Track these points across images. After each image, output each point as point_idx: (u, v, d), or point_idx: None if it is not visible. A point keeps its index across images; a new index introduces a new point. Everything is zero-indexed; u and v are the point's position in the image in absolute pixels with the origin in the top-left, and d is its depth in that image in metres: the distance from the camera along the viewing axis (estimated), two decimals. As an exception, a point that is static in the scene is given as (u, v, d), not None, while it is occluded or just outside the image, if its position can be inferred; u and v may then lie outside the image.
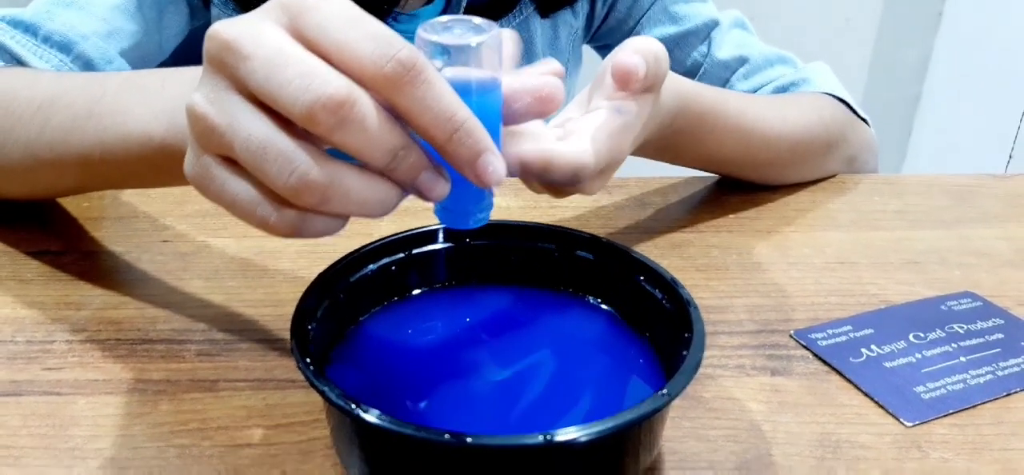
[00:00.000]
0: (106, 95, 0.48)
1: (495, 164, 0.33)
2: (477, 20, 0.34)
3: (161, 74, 0.48)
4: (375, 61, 0.30)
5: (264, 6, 0.33)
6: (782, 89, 0.77)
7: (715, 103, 0.59)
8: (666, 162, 0.63)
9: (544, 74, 0.38)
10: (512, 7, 0.78)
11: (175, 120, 0.43)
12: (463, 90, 0.33)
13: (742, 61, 0.79)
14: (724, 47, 0.80)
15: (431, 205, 0.36)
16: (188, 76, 0.45)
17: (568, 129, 0.42)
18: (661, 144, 0.57)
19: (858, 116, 0.76)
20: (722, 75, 0.80)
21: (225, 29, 0.32)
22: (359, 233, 0.60)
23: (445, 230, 0.45)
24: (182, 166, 0.35)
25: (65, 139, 0.49)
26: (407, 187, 0.34)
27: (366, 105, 0.31)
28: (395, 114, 0.32)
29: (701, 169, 0.67)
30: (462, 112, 0.32)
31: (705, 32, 0.81)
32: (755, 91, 0.78)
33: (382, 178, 0.33)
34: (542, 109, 0.37)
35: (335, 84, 0.30)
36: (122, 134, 0.46)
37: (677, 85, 0.54)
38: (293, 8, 0.32)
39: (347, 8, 0.32)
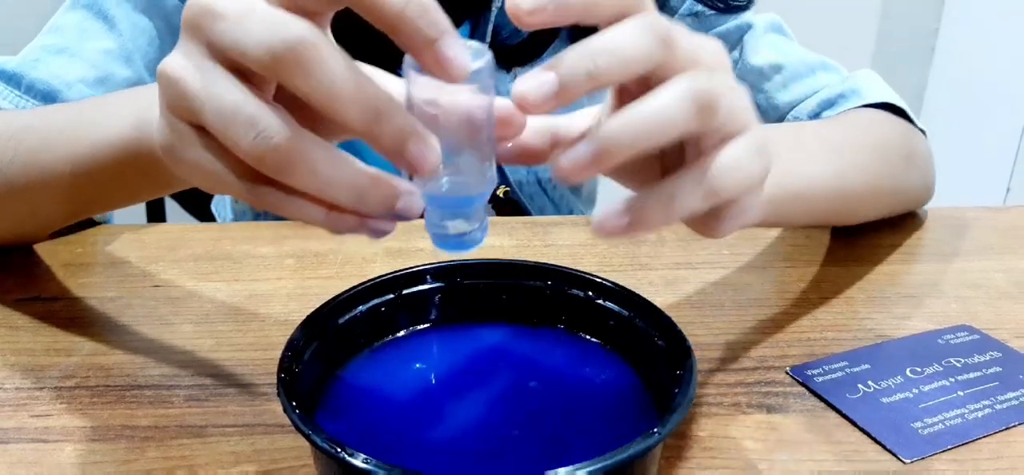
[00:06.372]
0: (75, 113, 0.50)
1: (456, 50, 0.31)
2: (471, 44, 0.34)
3: (133, 89, 0.49)
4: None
5: None
6: (829, 102, 0.73)
7: (806, 195, 0.55)
8: None
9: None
10: (545, 48, 0.75)
11: (143, 117, 0.43)
12: None
13: (777, 68, 0.75)
14: (759, 53, 0.76)
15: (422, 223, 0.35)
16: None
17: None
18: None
19: (915, 126, 0.71)
20: (755, 82, 0.76)
21: None
22: (350, 275, 0.60)
23: (434, 270, 0.45)
24: (155, 168, 0.35)
25: (35, 159, 0.50)
26: (394, 157, 0.32)
27: (330, 48, 0.30)
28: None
29: None
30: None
31: (737, 35, 0.77)
32: (799, 102, 0.75)
33: (355, 163, 0.32)
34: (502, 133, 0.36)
35: (298, 26, 0.30)
36: (92, 141, 0.47)
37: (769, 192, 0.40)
38: None
39: None
